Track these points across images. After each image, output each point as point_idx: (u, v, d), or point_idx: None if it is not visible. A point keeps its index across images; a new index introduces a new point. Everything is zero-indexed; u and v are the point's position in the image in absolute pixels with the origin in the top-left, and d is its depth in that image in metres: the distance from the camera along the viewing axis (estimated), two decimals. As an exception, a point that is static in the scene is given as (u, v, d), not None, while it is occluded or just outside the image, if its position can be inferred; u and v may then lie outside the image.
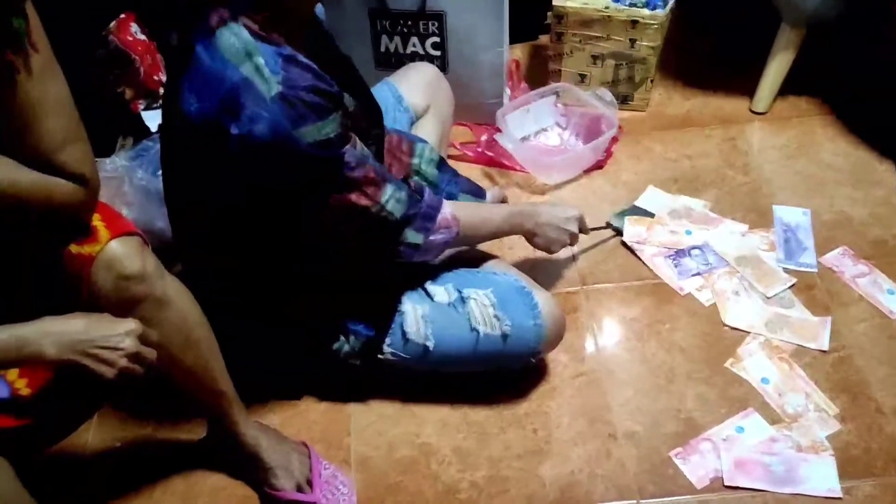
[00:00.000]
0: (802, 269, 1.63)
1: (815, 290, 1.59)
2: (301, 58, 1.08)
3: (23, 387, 1.10)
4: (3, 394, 1.08)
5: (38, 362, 0.98)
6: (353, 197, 1.16)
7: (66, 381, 1.13)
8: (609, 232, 1.73)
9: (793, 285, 1.60)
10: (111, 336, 1.00)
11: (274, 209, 1.17)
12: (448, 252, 1.36)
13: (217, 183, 1.15)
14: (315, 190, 1.14)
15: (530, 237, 1.44)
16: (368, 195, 1.17)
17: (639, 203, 1.80)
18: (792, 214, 1.75)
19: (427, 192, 1.27)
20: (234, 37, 1.05)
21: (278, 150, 1.07)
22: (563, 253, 1.61)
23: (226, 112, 1.05)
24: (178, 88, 1.09)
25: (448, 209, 1.29)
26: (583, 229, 1.50)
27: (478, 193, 1.61)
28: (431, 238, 1.27)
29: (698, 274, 1.64)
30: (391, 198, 1.19)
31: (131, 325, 1.02)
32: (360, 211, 1.17)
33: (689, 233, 1.73)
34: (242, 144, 1.06)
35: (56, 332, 0.97)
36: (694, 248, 1.69)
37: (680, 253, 1.69)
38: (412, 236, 1.24)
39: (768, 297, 1.58)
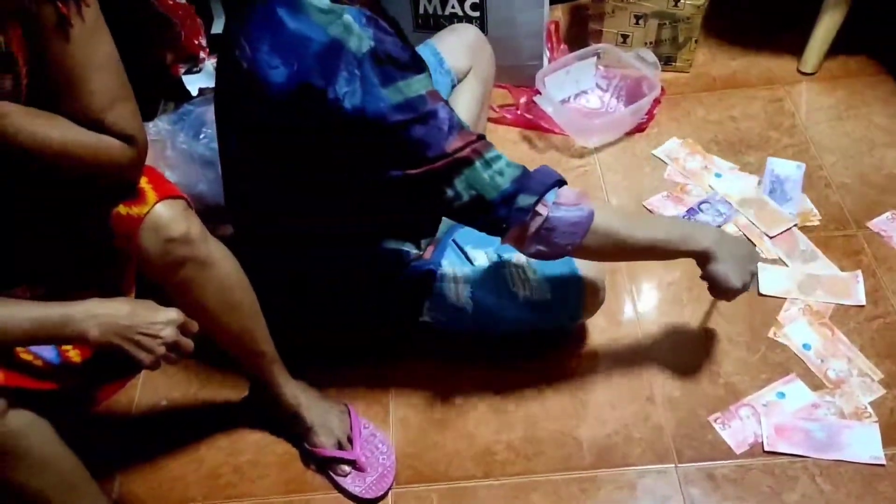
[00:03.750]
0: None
1: (861, 255, 1.56)
2: (381, 20, 1.07)
3: (70, 349, 1.13)
4: (53, 359, 1.12)
5: (80, 342, 1.01)
6: (458, 152, 1.06)
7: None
8: None
9: (795, 225, 1.61)
10: (153, 324, 1.02)
11: (364, 170, 1.11)
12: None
13: (301, 145, 1.12)
14: (414, 147, 1.06)
15: (707, 261, 1.21)
16: (473, 149, 1.07)
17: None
18: (784, 167, 1.75)
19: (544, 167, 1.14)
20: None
21: (371, 109, 1.03)
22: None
23: (318, 73, 1.03)
24: (253, 51, 1.07)
25: (576, 190, 1.13)
26: (755, 276, 1.29)
27: None
28: (556, 214, 1.09)
29: (718, 226, 1.64)
30: (499, 157, 1.09)
31: (173, 314, 1.04)
32: (466, 165, 1.06)
33: (718, 175, 1.76)
34: (338, 106, 1.04)
35: (101, 315, 0.99)
36: (702, 202, 1.70)
37: (692, 211, 1.69)
38: (523, 200, 1.08)
39: (771, 237, 1.60)
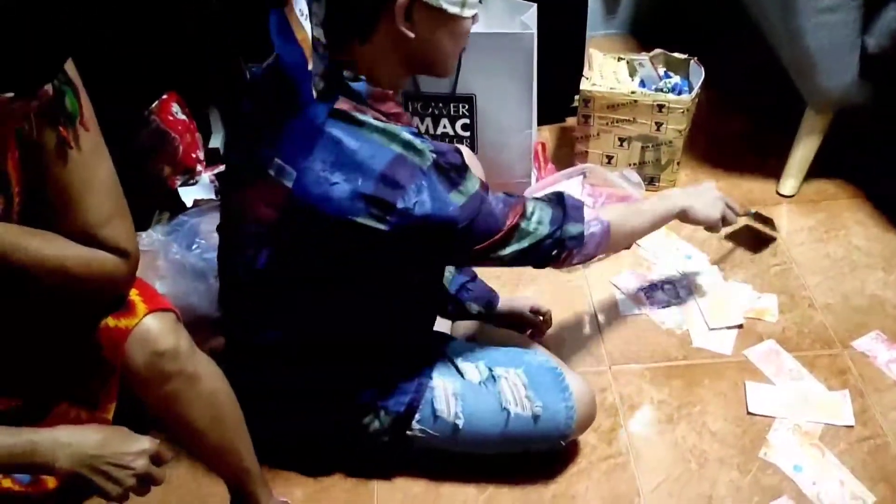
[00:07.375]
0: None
1: (847, 375, 1.57)
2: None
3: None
4: (26, 481, 1.08)
5: (46, 472, 0.97)
6: (508, 221, 1.20)
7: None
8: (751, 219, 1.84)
9: (739, 325, 1.69)
10: (125, 454, 0.99)
11: (429, 260, 1.26)
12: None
13: (359, 251, 1.15)
14: (476, 235, 1.18)
15: (686, 215, 1.48)
16: (520, 215, 1.21)
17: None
18: None
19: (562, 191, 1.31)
20: (372, 119, 1.10)
21: (441, 214, 1.11)
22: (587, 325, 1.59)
23: (387, 187, 1.08)
24: (302, 171, 1.10)
25: (587, 205, 1.32)
26: (732, 208, 1.56)
27: (491, 300, 1.60)
28: (588, 230, 1.28)
29: (669, 305, 1.75)
30: (536, 207, 1.24)
31: (146, 444, 1.01)
32: (516, 229, 1.21)
33: (689, 257, 1.87)
34: (408, 214, 1.09)
35: (70, 444, 0.96)
36: (667, 282, 1.80)
37: (653, 286, 1.80)
38: (572, 228, 1.26)
39: (710, 329, 1.69)
